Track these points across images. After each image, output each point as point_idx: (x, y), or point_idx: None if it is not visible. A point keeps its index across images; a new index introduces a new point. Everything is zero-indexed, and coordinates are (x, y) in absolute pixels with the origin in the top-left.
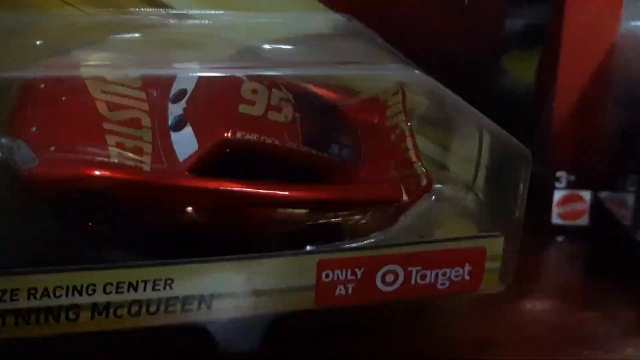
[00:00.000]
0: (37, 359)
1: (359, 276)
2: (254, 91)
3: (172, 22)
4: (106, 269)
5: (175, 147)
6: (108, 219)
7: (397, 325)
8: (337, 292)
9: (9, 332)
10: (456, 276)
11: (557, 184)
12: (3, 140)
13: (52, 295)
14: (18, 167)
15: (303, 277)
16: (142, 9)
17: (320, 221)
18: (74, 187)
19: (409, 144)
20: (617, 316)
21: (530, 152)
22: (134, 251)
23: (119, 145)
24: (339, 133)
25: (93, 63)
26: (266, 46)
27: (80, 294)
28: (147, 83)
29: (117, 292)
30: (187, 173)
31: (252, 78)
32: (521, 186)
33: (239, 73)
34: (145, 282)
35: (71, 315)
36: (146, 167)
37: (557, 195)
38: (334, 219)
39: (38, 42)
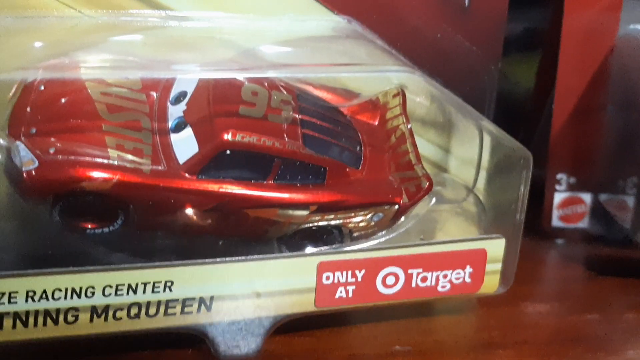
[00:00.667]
0: None
1: (359, 278)
2: (254, 93)
3: (172, 24)
4: (105, 271)
5: (175, 148)
6: (107, 221)
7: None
8: (337, 294)
9: (7, 335)
10: (457, 278)
11: (557, 187)
12: (2, 142)
13: (50, 298)
14: (17, 168)
15: (303, 279)
16: (142, 11)
17: (321, 223)
18: (73, 189)
19: (410, 146)
20: (618, 318)
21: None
22: (133, 253)
23: (119, 147)
24: (340, 135)
25: (93, 65)
26: (266, 48)
27: (79, 296)
28: (147, 85)
29: (116, 295)
30: (186, 175)
31: (252, 80)
32: (522, 188)
33: (239, 75)
34: (145, 284)
35: (70, 318)
36: (146, 169)
37: (558, 197)
38: (334, 221)
39: (38, 44)
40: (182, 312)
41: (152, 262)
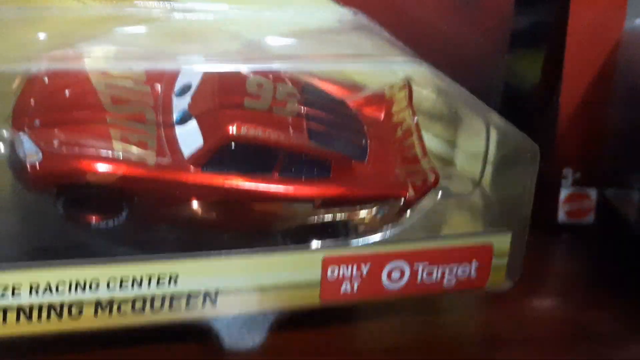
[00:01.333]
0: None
1: (364, 273)
2: (260, 85)
3: (176, 15)
4: (110, 263)
5: (180, 141)
6: (112, 213)
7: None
8: (342, 289)
9: (11, 328)
10: (463, 273)
11: (563, 182)
12: (6, 133)
13: (54, 291)
14: (21, 160)
15: (308, 273)
16: (146, 3)
17: (326, 217)
18: (77, 181)
19: (416, 139)
20: (624, 314)
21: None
22: (137, 246)
23: (123, 139)
24: (345, 128)
25: (97, 56)
26: (271, 40)
27: (83, 289)
28: (152, 77)
29: (120, 288)
30: (191, 167)
31: (257, 72)
32: (529, 182)
33: (244, 67)
34: (150, 277)
35: (74, 312)
36: (150, 161)
37: (563, 193)
38: (339, 215)
39: (42, 35)
40: (187, 305)
41: (157, 255)
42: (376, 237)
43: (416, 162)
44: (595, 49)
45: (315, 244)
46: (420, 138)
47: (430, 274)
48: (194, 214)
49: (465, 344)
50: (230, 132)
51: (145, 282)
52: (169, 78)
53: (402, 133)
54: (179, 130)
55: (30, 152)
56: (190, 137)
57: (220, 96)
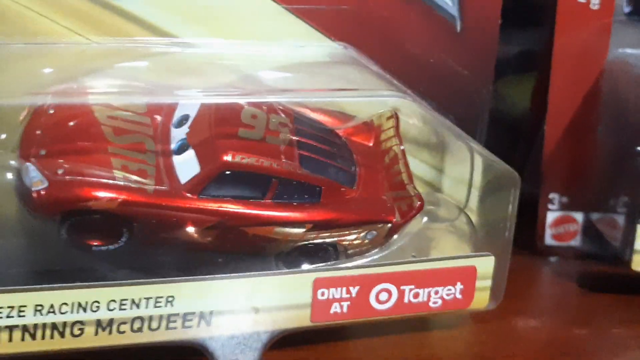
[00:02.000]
0: None
1: (353, 294)
2: (254, 116)
3: (175, 50)
4: (110, 286)
5: (178, 169)
6: (112, 238)
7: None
8: (332, 310)
9: (16, 347)
10: (448, 294)
11: (550, 206)
12: (13, 162)
13: (58, 312)
14: (27, 188)
15: (299, 295)
16: (147, 38)
17: (317, 241)
18: (81, 208)
19: (402, 166)
20: (607, 333)
21: (526, 175)
22: (137, 269)
23: (124, 168)
24: (335, 155)
25: (100, 90)
26: (265, 73)
27: (85, 310)
28: (152, 109)
29: (120, 309)
30: (188, 194)
31: (251, 104)
32: (510, 207)
33: (239, 99)
34: (148, 299)
35: (76, 331)
36: (149, 189)
37: (550, 216)
38: (329, 239)
39: (47, 70)
40: (183, 326)
41: (155, 278)
42: (365, 260)
43: (403, 188)
44: (580, 76)
45: (306, 266)
46: (407, 165)
47: (416, 295)
48: (190, 238)
49: None
50: (226, 160)
51: (143, 304)
52: (167, 110)
53: (390, 160)
54: (177, 159)
55: (36, 180)
56: (187, 166)
57: (216, 126)
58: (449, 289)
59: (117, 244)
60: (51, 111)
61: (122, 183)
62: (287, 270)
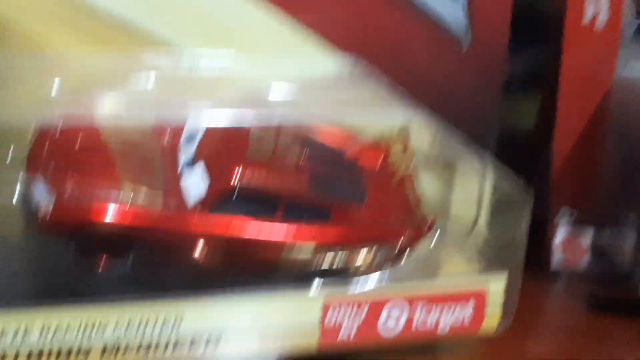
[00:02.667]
0: None
1: (363, 315)
2: (262, 135)
3: (184, 66)
4: (118, 305)
5: (185, 188)
6: (120, 257)
7: None
8: (340, 332)
9: None
10: (458, 316)
11: (558, 225)
12: (22, 180)
13: (63, 333)
14: (35, 206)
15: (308, 315)
16: (156, 54)
17: (326, 261)
18: (88, 225)
19: (412, 185)
20: (616, 356)
21: (532, 193)
22: (144, 288)
23: (131, 187)
24: (344, 175)
25: (108, 107)
26: (274, 90)
27: (91, 330)
28: (160, 126)
29: (127, 329)
30: (196, 213)
31: (260, 122)
32: (523, 225)
33: (247, 117)
34: (155, 319)
35: (82, 354)
36: (157, 206)
37: (559, 233)
38: (338, 260)
39: (55, 85)
40: (190, 347)
41: (162, 298)
42: (374, 280)
43: (412, 208)
44: (587, 95)
45: (314, 288)
46: (416, 184)
47: (426, 318)
48: (197, 258)
49: None
50: (234, 179)
51: (150, 324)
52: (176, 127)
53: (399, 179)
54: (185, 177)
55: (43, 197)
56: (195, 184)
57: (225, 145)
58: (459, 310)
59: (124, 263)
60: (58, 129)
61: (130, 200)
62: (295, 291)
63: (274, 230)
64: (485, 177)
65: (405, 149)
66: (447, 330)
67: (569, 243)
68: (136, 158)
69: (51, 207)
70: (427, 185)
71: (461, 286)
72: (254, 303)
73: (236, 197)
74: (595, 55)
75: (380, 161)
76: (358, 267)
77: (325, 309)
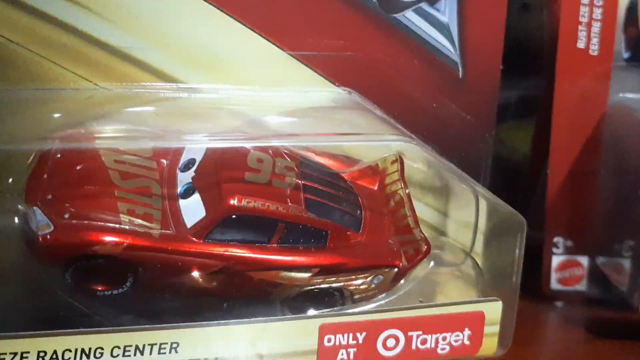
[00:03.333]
0: None
1: (360, 341)
2: (260, 160)
3: (182, 95)
4: (114, 332)
5: (184, 213)
6: (117, 283)
7: None
8: (339, 357)
9: None
10: (456, 340)
11: (555, 250)
12: (20, 207)
13: (61, 358)
14: (33, 232)
15: (305, 341)
16: (154, 84)
17: (322, 285)
18: (86, 252)
19: (408, 210)
20: None
21: (528, 219)
22: (141, 314)
23: (130, 212)
24: (341, 199)
25: (107, 135)
26: (271, 118)
27: (88, 357)
28: (158, 153)
29: (124, 355)
30: (194, 238)
31: (257, 148)
32: (517, 252)
33: (245, 144)
34: (152, 345)
35: None
36: (155, 233)
37: (555, 261)
38: (335, 284)
39: (56, 115)
40: None
41: (159, 324)
42: (371, 305)
43: (409, 232)
44: (581, 121)
45: (312, 312)
46: (412, 209)
47: (424, 341)
48: (195, 283)
49: None
50: (232, 204)
51: (147, 350)
52: (174, 153)
53: (395, 204)
54: (183, 203)
55: (42, 224)
56: (193, 210)
57: (223, 171)
58: (457, 335)
59: (122, 289)
60: (58, 155)
61: (128, 227)
62: (293, 315)
63: (271, 257)
64: (480, 203)
65: (401, 173)
66: (446, 351)
67: (565, 267)
68: (135, 183)
69: (50, 233)
70: (423, 211)
71: (459, 309)
72: (251, 329)
73: (233, 222)
74: (588, 80)
75: (376, 185)
76: (355, 292)
77: (323, 333)
